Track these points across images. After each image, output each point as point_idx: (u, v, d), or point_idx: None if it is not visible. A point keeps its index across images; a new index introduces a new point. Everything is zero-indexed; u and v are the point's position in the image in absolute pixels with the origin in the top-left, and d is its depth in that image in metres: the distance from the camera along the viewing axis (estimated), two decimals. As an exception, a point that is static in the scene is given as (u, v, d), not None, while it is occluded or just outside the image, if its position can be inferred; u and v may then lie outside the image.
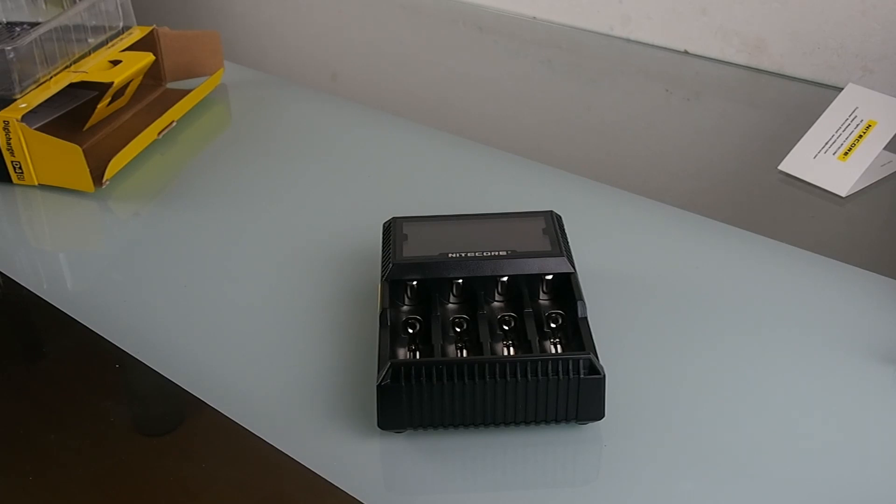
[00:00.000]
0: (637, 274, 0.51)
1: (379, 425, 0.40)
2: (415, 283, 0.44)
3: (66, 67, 0.65)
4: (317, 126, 0.70)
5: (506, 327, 0.44)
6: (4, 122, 0.59)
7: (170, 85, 0.74)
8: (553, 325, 0.44)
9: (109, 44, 0.69)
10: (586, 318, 0.42)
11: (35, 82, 0.63)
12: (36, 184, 0.62)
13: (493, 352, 0.42)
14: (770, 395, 0.42)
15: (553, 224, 0.47)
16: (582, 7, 0.87)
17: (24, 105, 0.60)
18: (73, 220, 0.59)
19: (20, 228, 0.59)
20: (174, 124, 0.68)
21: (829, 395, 0.42)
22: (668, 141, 0.68)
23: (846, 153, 0.60)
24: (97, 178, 0.60)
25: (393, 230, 0.47)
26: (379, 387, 0.39)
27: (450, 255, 0.44)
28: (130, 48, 0.69)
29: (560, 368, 0.39)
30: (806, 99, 0.74)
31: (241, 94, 0.76)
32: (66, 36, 0.66)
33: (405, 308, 0.44)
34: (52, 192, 0.62)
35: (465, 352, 0.43)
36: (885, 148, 0.60)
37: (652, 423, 0.41)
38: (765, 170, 0.63)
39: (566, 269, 0.44)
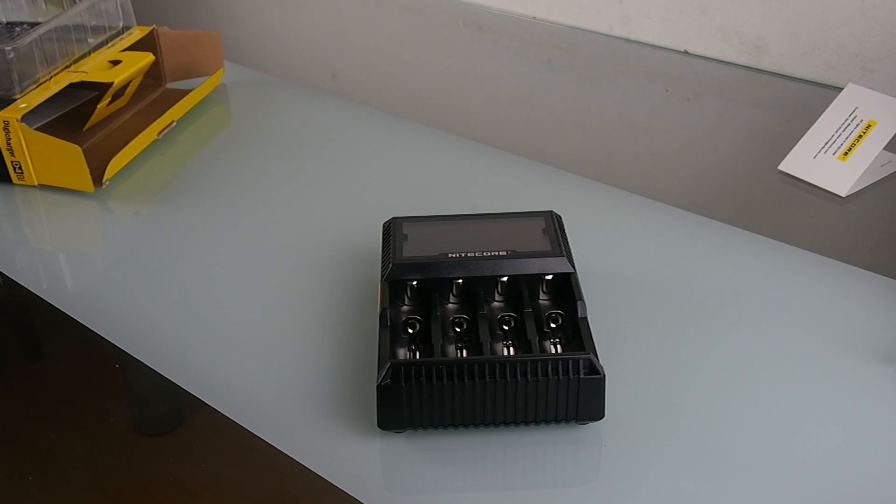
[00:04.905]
0: (637, 274, 0.51)
1: (379, 425, 0.40)
2: (415, 283, 0.44)
3: (66, 67, 0.65)
4: (317, 126, 0.70)
5: (506, 327, 0.44)
6: (4, 122, 0.59)
7: (170, 85, 0.74)
8: (553, 325, 0.44)
9: (109, 44, 0.69)
10: (586, 318, 0.42)
11: (35, 82, 0.63)
12: (36, 184, 0.62)
13: (493, 352, 0.42)
14: (770, 395, 0.42)
15: (553, 224, 0.47)
16: (582, 7, 0.87)
17: (24, 105, 0.60)
18: (73, 220, 0.59)
19: (20, 228, 0.59)
20: (174, 124, 0.68)
21: (828, 395, 0.42)
22: (668, 141, 0.68)
23: (846, 153, 0.60)
24: (97, 178, 0.60)
25: (393, 230, 0.47)
26: (379, 387, 0.39)
27: (450, 255, 0.44)
28: (130, 48, 0.69)
29: (560, 368, 0.39)
30: (806, 99, 0.74)
31: (241, 94, 0.76)
32: (66, 36, 0.66)
33: (405, 308, 0.44)
34: (52, 192, 0.62)
35: (465, 352, 0.43)
36: (885, 148, 0.60)
37: (652, 422, 0.41)
38: (765, 170, 0.63)
39: (566, 269, 0.44)
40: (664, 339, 0.46)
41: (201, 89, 0.72)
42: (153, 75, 0.73)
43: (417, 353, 0.43)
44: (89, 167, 0.60)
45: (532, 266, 0.44)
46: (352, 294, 0.50)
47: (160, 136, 0.67)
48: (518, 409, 0.39)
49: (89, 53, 0.68)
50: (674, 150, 0.67)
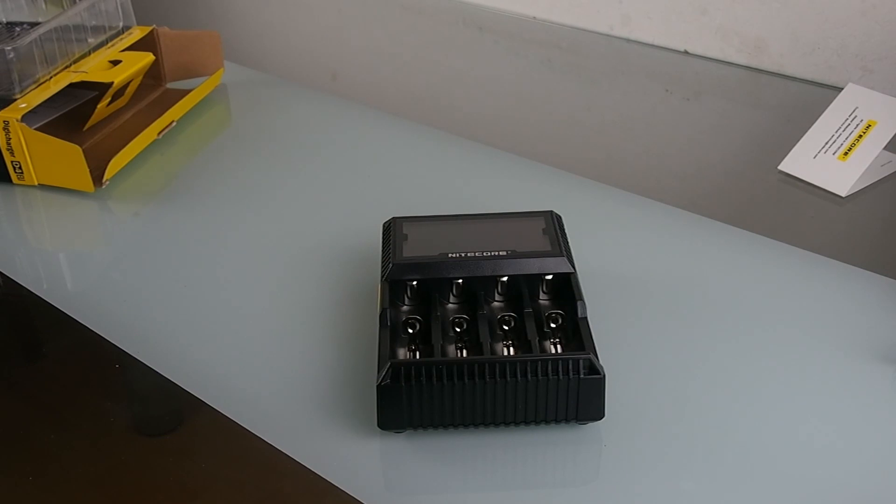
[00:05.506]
0: (637, 274, 0.51)
1: (379, 425, 0.40)
2: (415, 283, 0.44)
3: (66, 67, 0.65)
4: (317, 126, 0.70)
5: (506, 327, 0.44)
6: (4, 122, 0.59)
7: (170, 85, 0.74)
8: (553, 325, 0.44)
9: (109, 44, 0.69)
10: (586, 318, 0.42)
11: (35, 82, 0.63)
12: (36, 184, 0.62)
13: (493, 352, 0.42)
14: (770, 395, 0.42)
15: (553, 224, 0.47)
16: (582, 7, 0.87)
17: (24, 105, 0.60)
18: (73, 220, 0.59)
19: (20, 228, 0.59)
20: (174, 124, 0.68)
21: (828, 395, 0.42)
22: (668, 141, 0.68)
23: (846, 153, 0.60)
24: (97, 178, 0.60)
25: (393, 230, 0.47)
26: (379, 387, 0.39)
27: (450, 255, 0.44)
28: (130, 48, 0.69)
29: (560, 368, 0.39)
30: (806, 99, 0.74)
31: (241, 94, 0.76)
32: (66, 36, 0.66)
33: (405, 308, 0.44)
34: (52, 192, 0.62)
35: (465, 352, 0.43)
36: (885, 148, 0.60)
37: (652, 422, 0.41)
38: (765, 170, 0.63)
39: (566, 269, 0.44)
40: (664, 338, 0.46)
41: (201, 89, 0.72)
42: (153, 75, 0.73)
43: (417, 353, 0.43)
44: (89, 167, 0.60)
45: (532, 266, 0.44)
46: (352, 294, 0.50)
47: (160, 136, 0.67)
48: (518, 409, 0.39)
49: (89, 53, 0.68)
50: (674, 150, 0.67)
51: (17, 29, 0.67)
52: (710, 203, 0.59)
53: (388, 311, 0.42)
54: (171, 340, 0.47)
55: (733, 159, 0.65)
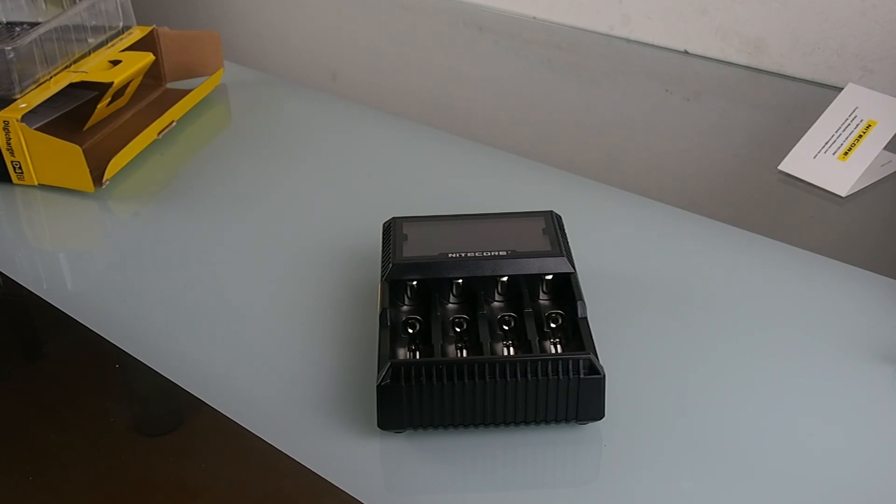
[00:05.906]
0: (637, 274, 0.51)
1: (379, 425, 0.40)
2: (415, 283, 0.44)
3: (66, 67, 0.65)
4: (317, 126, 0.70)
5: (506, 327, 0.44)
6: (4, 122, 0.59)
7: (170, 85, 0.74)
8: (553, 325, 0.44)
9: (109, 44, 0.69)
10: (586, 318, 0.42)
11: (35, 82, 0.63)
12: (36, 184, 0.62)
13: (493, 352, 0.42)
14: (770, 395, 0.42)
15: (553, 224, 0.47)
16: (582, 7, 0.87)
17: (24, 105, 0.60)
18: (73, 220, 0.59)
19: (20, 228, 0.59)
20: (174, 124, 0.68)
21: (829, 395, 0.42)
22: (668, 141, 0.68)
23: (846, 153, 0.60)
24: (97, 178, 0.60)
25: (393, 230, 0.47)
26: (379, 387, 0.39)
27: (450, 255, 0.44)
28: (130, 48, 0.69)
29: (560, 368, 0.39)
30: (806, 99, 0.74)
31: (241, 94, 0.76)
32: (66, 36, 0.66)
33: (405, 308, 0.44)
34: (52, 192, 0.62)
35: (465, 352, 0.43)
36: (885, 148, 0.60)
37: (652, 423, 0.41)
38: (765, 170, 0.63)
39: (566, 269, 0.44)
40: (664, 338, 0.46)
41: (201, 89, 0.72)
42: (153, 75, 0.73)
43: (417, 353, 0.43)
44: (89, 167, 0.60)
45: (532, 266, 0.44)
46: (352, 294, 0.50)
47: (160, 136, 0.67)
48: (518, 409, 0.39)
49: (89, 53, 0.68)
50: (674, 150, 0.67)
51: (17, 29, 0.67)
52: (710, 203, 0.59)
53: (388, 311, 0.42)
54: (171, 340, 0.47)
55: (733, 159, 0.65)
